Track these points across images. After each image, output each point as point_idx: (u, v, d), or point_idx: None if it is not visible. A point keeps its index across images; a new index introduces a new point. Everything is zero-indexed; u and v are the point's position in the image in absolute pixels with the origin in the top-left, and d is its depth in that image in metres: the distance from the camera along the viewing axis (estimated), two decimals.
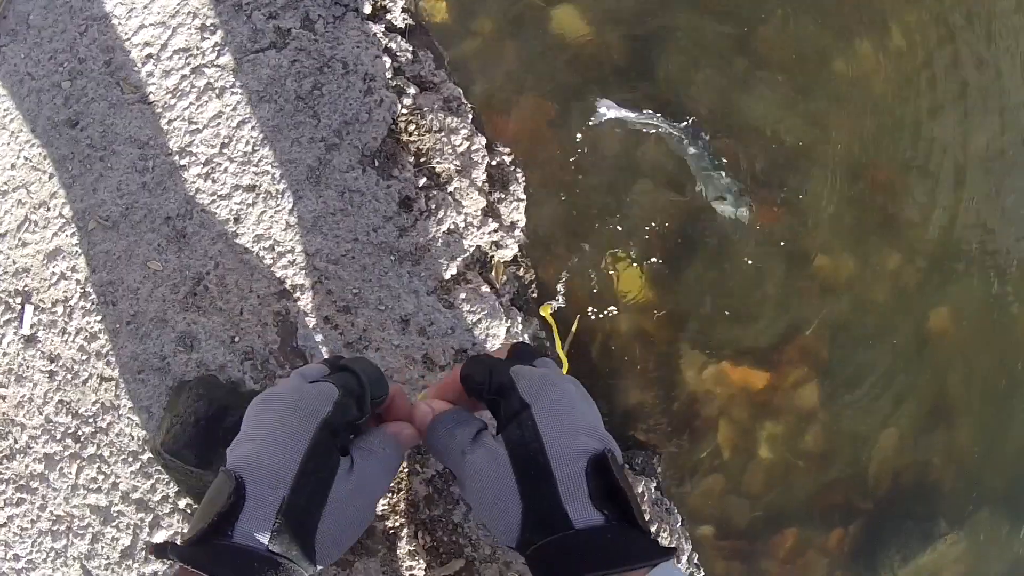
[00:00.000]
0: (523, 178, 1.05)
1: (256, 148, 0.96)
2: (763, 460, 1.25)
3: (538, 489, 0.44)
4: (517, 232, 1.02)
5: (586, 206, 1.12)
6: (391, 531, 0.95)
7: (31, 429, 1.02)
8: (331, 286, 0.94)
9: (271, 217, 0.95)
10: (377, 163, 0.96)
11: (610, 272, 1.10)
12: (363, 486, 0.48)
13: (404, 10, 1.09)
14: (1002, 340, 1.31)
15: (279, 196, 0.95)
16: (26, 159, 1.04)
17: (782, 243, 1.19)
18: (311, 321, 0.93)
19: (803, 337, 1.23)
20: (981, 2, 1.31)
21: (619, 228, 1.13)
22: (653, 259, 1.13)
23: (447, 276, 0.94)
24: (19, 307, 1.03)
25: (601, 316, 1.08)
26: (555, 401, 0.48)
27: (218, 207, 0.96)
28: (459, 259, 0.95)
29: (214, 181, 0.96)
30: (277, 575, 0.42)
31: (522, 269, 1.05)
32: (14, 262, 1.03)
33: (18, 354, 1.03)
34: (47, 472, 1.01)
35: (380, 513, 0.92)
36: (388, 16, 1.06)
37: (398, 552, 0.93)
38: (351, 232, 0.95)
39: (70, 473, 1.00)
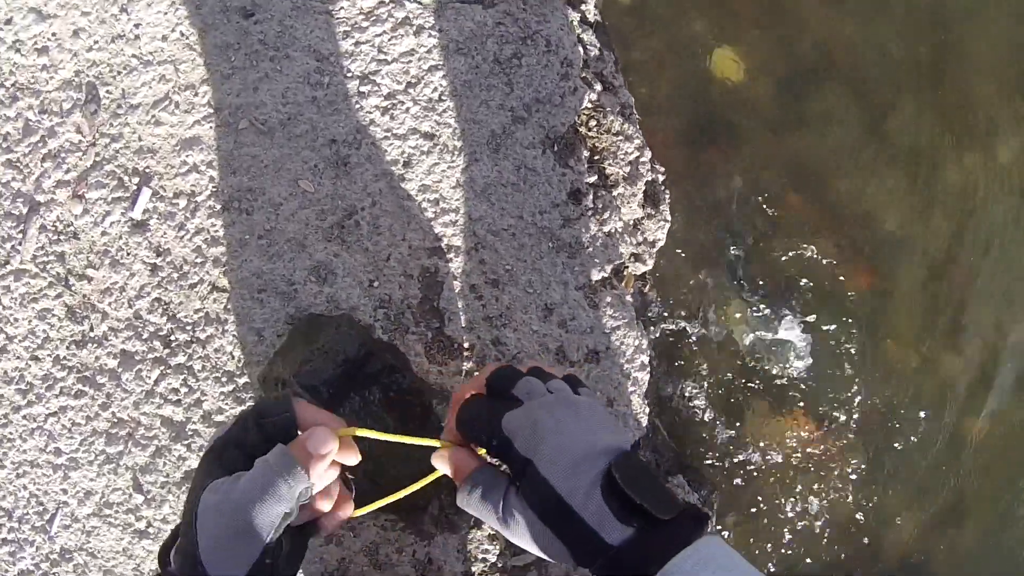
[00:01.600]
0: (669, 199, 1.05)
1: (443, 97, 0.92)
2: (790, 517, 1.29)
3: (573, 530, 0.49)
4: (655, 250, 1.02)
5: (713, 244, 1.13)
6: None
7: (113, 320, 0.93)
8: (485, 256, 0.91)
9: (442, 171, 0.91)
10: (557, 148, 0.94)
11: (721, 315, 1.12)
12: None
13: (596, 6, 1.07)
14: (1021, 460, 1.40)
15: (455, 152, 0.91)
16: (182, 35, 0.95)
17: (863, 316, 1.24)
18: (457, 285, 0.90)
19: (861, 410, 1.29)
20: None
21: (739, 281, 1.15)
22: (753, 297, 1.16)
23: (597, 277, 0.93)
24: (135, 188, 0.94)
25: (694, 338, 1.10)
26: (553, 447, 0.50)
27: (390, 145, 0.91)
28: (613, 263, 0.94)
29: (392, 118, 0.91)
30: None
31: (647, 287, 1.04)
32: (140, 139, 0.94)
33: (120, 237, 0.93)
34: (121, 370, 0.92)
35: None
36: (583, 6, 1.04)
37: (479, 533, 0.91)
38: (518, 208, 0.92)
39: (148, 378, 0.92)
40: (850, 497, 1.27)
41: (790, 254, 1.20)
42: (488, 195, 0.90)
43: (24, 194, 0.96)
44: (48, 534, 0.95)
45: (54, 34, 0.97)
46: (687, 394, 1.09)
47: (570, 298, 0.91)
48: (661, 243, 1.00)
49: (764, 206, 1.20)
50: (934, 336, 1.30)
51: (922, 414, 1.27)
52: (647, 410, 0.96)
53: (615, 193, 0.95)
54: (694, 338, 1.10)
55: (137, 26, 0.95)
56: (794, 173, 1.21)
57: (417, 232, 0.89)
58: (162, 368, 0.91)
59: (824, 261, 1.20)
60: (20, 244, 0.95)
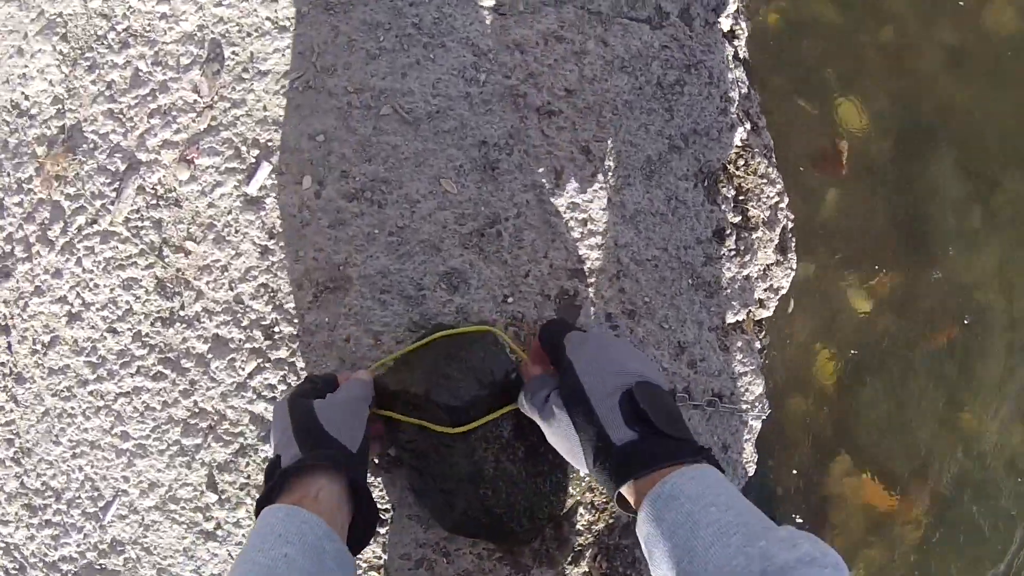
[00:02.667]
0: (795, 247, 1.02)
1: (604, 114, 0.86)
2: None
3: (589, 425, 0.57)
4: (778, 297, 0.99)
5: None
6: (578, 547, 0.86)
7: (210, 301, 0.83)
8: (626, 285, 0.85)
9: (594, 191, 0.85)
10: (707, 184, 0.89)
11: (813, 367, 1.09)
12: None
13: (747, 45, 1.03)
14: None
15: (609, 173, 0.86)
16: (327, 6, 0.86)
17: (944, 388, 1.23)
18: (593, 311, 0.84)
19: (934, 479, 1.26)
20: None
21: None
22: (848, 355, 1.13)
23: (731, 319, 0.88)
24: (253, 161, 0.85)
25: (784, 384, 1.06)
26: (592, 354, 0.61)
27: (544, 155, 0.85)
28: (749, 308, 0.89)
29: (549, 126, 0.85)
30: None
31: (763, 333, 1.01)
32: (265, 108, 0.85)
33: (230, 211, 0.84)
34: (211, 357, 0.83)
35: (577, 529, 0.83)
36: (736, 42, 1.00)
37: (575, 569, 0.85)
38: (664, 240, 0.87)
39: (243, 369, 0.83)
40: (908, 565, 1.25)
41: (880, 323, 1.17)
42: (637, 222, 0.85)
43: (124, 149, 0.86)
44: (100, 522, 0.85)
45: None
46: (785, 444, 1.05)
47: (703, 338, 0.86)
48: (784, 291, 0.97)
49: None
50: (1009, 404, 1.29)
51: (993, 487, 1.26)
52: (756, 458, 0.91)
53: (755, 236, 0.91)
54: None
55: None
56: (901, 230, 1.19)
57: (560, 251, 0.83)
58: (260, 360, 0.82)
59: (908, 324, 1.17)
60: (113, 204, 0.85)
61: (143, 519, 0.84)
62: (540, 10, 0.87)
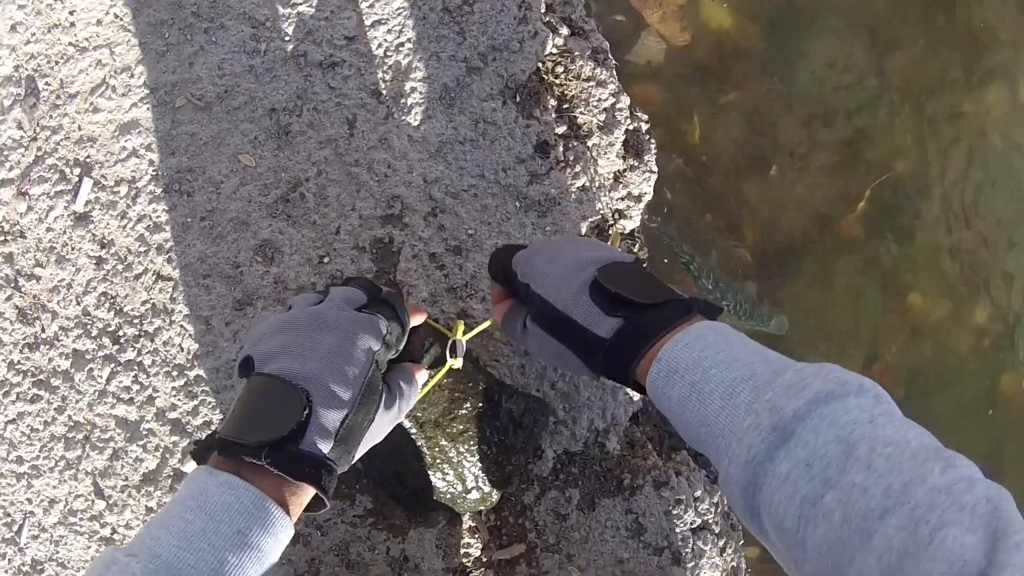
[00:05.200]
0: (655, 149, 0.90)
1: (389, 53, 0.80)
2: None
3: (572, 334, 0.52)
4: (642, 205, 0.88)
5: (704, 197, 0.98)
6: None
7: (64, 319, 0.84)
8: (445, 221, 0.78)
9: (392, 132, 0.79)
10: (519, 99, 0.80)
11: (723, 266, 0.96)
12: (394, 418, 0.57)
13: None
14: None
15: (406, 110, 0.79)
16: (116, 16, 0.85)
17: (882, 277, 1.06)
18: (415, 254, 0.77)
19: (881, 371, 1.10)
20: None
21: (730, 227, 0.99)
22: (761, 263, 0.99)
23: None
24: (76, 179, 0.85)
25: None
26: (543, 268, 0.56)
27: (334, 108, 0.80)
28: (588, 220, 0.80)
29: (334, 79, 0.80)
30: (331, 476, 0.49)
31: (636, 246, 0.90)
32: (80, 128, 0.85)
33: (65, 232, 0.85)
34: (73, 371, 0.83)
35: None
36: None
37: (458, 527, 0.78)
38: (478, 167, 0.79)
39: (100, 377, 0.82)
40: None
41: (793, 205, 1.03)
42: (444, 154, 0.78)
43: None
44: (18, 545, 0.87)
45: None
46: None
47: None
48: (648, 197, 0.86)
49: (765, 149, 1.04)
50: (961, 284, 1.11)
51: (950, 369, 1.09)
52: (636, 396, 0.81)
53: (590, 144, 0.81)
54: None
55: (72, 12, 0.87)
56: (798, 112, 1.05)
57: (367, 201, 0.77)
58: (112, 366, 0.82)
59: (824, 209, 1.03)
60: None
61: (52, 536, 0.86)
62: None
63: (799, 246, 1.00)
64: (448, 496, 0.71)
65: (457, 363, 0.67)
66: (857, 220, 1.04)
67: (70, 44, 0.86)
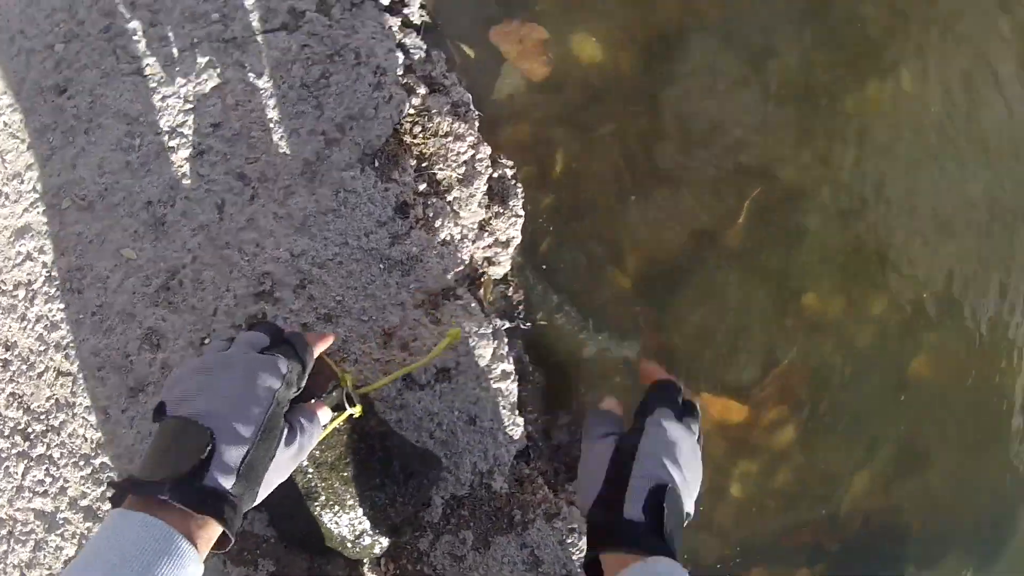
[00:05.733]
0: (523, 194, 0.93)
1: (252, 135, 0.84)
2: (735, 498, 1.12)
3: (615, 483, 0.61)
4: (511, 249, 0.90)
5: (580, 231, 1.00)
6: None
7: None
8: (314, 291, 0.81)
9: (259, 211, 0.83)
10: (377, 163, 0.84)
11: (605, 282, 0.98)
12: (296, 455, 0.61)
13: (422, 6, 0.97)
14: (979, 389, 1.20)
15: (270, 189, 0.83)
16: (4, 124, 0.91)
17: (771, 282, 1.06)
18: (292, 324, 0.80)
19: (783, 375, 1.11)
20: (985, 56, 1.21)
21: (611, 256, 1.00)
22: (645, 285, 1.01)
23: (437, 289, 0.82)
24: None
25: (584, 335, 0.96)
26: (660, 437, 0.64)
27: (204, 194, 0.84)
28: (452, 272, 0.82)
29: (202, 166, 0.84)
30: (233, 511, 0.53)
31: (511, 289, 0.92)
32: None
33: None
34: None
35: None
36: (406, 10, 0.95)
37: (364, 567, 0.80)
38: (341, 235, 0.82)
39: (16, 473, 0.86)
40: (793, 467, 1.10)
41: (675, 226, 1.05)
42: (308, 227, 0.81)
43: None
44: None
45: None
46: (582, 395, 0.95)
47: (410, 319, 0.80)
48: (517, 240, 0.89)
49: (643, 165, 1.06)
50: (856, 279, 1.12)
51: (855, 362, 1.09)
52: (520, 421, 0.83)
53: (450, 198, 0.85)
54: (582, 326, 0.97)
55: None
56: (674, 134, 1.07)
57: (240, 280, 0.81)
58: (26, 462, 0.86)
59: (707, 226, 1.04)
60: None
61: None
62: (177, 59, 0.87)
63: (685, 265, 1.02)
64: (339, 539, 0.74)
65: (356, 411, 0.71)
66: (740, 232, 1.05)
67: None
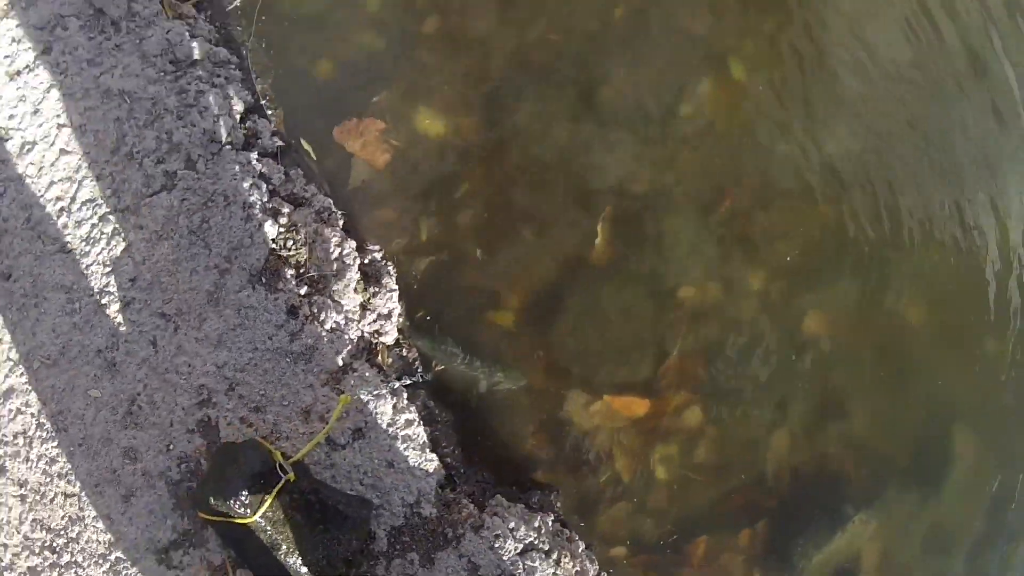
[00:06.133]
0: (394, 270, 1.15)
1: (161, 280, 1.07)
2: (662, 480, 1.31)
3: None
4: (394, 319, 1.12)
5: (456, 285, 1.21)
6: None
7: (13, 547, 1.14)
8: (242, 391, 1.05)
9: (183, 339, 1.07)
10: (264, 280, 1.08)
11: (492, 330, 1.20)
12: None
13: (274, 133, 1.18)
14: (878, 330, 1.34)
15: (187, 319, 1.07)
16: None
17: (645, 285, 1.26)
18: (231, 422, 1.04)
19: (677, 363, 1.29)
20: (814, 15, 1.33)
21: (488, 300, 1.22)
22: (528, 317, 1.22)
23: (336, 368, 1.05)
24: None
25: (476, 373, 1.18)
26: None
27: (138, 336, 1.08)
28: (344, 352, 1.07)
29: (132, 313, 1.07)
30: None
31: (404, 350, 1.14)
32: None
33: None
34: None
35: None
36: (260, 141, 1.16)
37: None
38: (251, 343, 1.06)
39: None
40: (709, 441, 1.29)
41: (543, 259, 1.25)
42: (224, 343, 1.06)
43: None
44: None
45: None
46: (493, 422, 1.18)
47: (320, 395, 1.05)
48: (397, 310, 1.12)
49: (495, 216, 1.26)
50: (727, 262, 1.29)
51: (745, 336, 1.27)
52: (434, 456, 1.06)
53: (330, 292, 1.07)
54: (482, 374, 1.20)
55: None
56: (523, 177, 1.26)
57: (184, 395, 1.06)
58: (58, 570, 1.11)
59: (572, 251, 1.23)
60: None
61: None
62: (91, 233, 1.10)
63: (560, 291, 1.24)
64: None
65: (291, 476, 1.00)
66: (603, 248, 1.24)
67: None
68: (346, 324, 1.15)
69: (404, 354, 1.18)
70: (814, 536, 1.32)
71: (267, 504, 0.98)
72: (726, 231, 1.36)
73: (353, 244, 1.19)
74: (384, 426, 1.10)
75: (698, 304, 1.33)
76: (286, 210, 1.18)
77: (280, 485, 1.00)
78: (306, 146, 1.23)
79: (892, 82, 1.36)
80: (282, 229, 1.17)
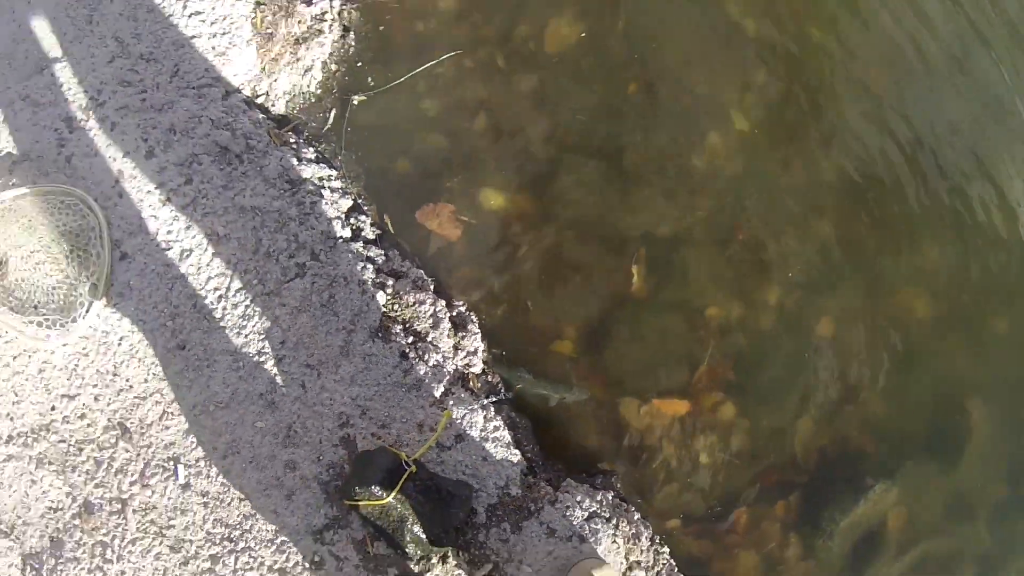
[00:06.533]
0: (475, 317, 1.61)
1: (304, 341, 1.52)
2: (705, 464, 1.81)
3: None
4: (479, 355, 1.60)
5: (526, 323, 1.67)
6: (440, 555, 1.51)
7: (197, 542, 1.57)
8: (371, 414, 1.52)
9: (325, 381, 1.52)
10: (380, 334, 1.55)
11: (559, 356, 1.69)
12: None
13: (372, 224, 1.63)
14: (886, 325, 1.76)
15: (327, 367, 1.55)
16: (154, 374, 1.60)
17: (678, 310, 1.68)
18: (365, 436, 1.49)
19: (708, 369, 1.70)
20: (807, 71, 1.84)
21: (551, 333, 1.70)
22: (584, 344, 1.67)
23: (439, 393, 1.50)
24: (172, 467, 1.56)
25: (545, 392, 1.65)
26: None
27: (291, 381, 1.54)
28: (444, 381, 1.55)
29: (284, 369, 1.51)
30: None
31: (489, 376, 1.61)
32: (163, 439, 1.60)
33: (178, 497, 1.60)
34: (214, 566, 1.55)
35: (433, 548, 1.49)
36: (362, 232, 1.62)
37: (448, 564, 1.49)
38: (375, 380, 1.53)
39: (229, 563, 1.55)
40: (743, 432, 1.67)
41: (592, 298, 1.71)
42: (356, 381, 1.54)
43: (116, 497, 1.58)
44: None
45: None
46: (563, 426, 1.65)
47: (428, 413, 1.54)
48: (482, 347, 1.59)
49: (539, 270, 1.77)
50: (745, 282, 1.68)
51: (767, 342, 1.69)
52: (517, 452, 1.53)
53: (429, 339, 1.53)
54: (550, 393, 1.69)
55: (128, 381, 1.55)
56: (572, 235, 1.72)
57: (328, 420, 1.52)
58: (235, 554, 1.56)
59: (617, 289, 1.71)
60: (125, 527, 1.58)
61: None
62: (245, 313, 1.53)
63: (608, 323, 1.73)
64: (425, 543, 1.41)
65: (412, 469, 1.58)
66: (640, 283, 1.69)
67: (135, 397, 1.55)
68: (443, 361, 1.62)
69: (489, 379, 1.66)
70: (840, 505, 1.80)
71: (396, 489, 1.43)
72: (742, 258, 1.80)
73: (443, 302, 1.69)
74: (478, 432, 1.57)
75: (723, 320, 1.79)
76: (390, 282, 1.64)
77: (405, 476, 1.45)
78: (389, 226, 1.68)
79: (880, 102, 1.79)
80: (389, 297, 1.64)
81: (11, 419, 1.64)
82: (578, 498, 1.64)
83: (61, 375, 1.64)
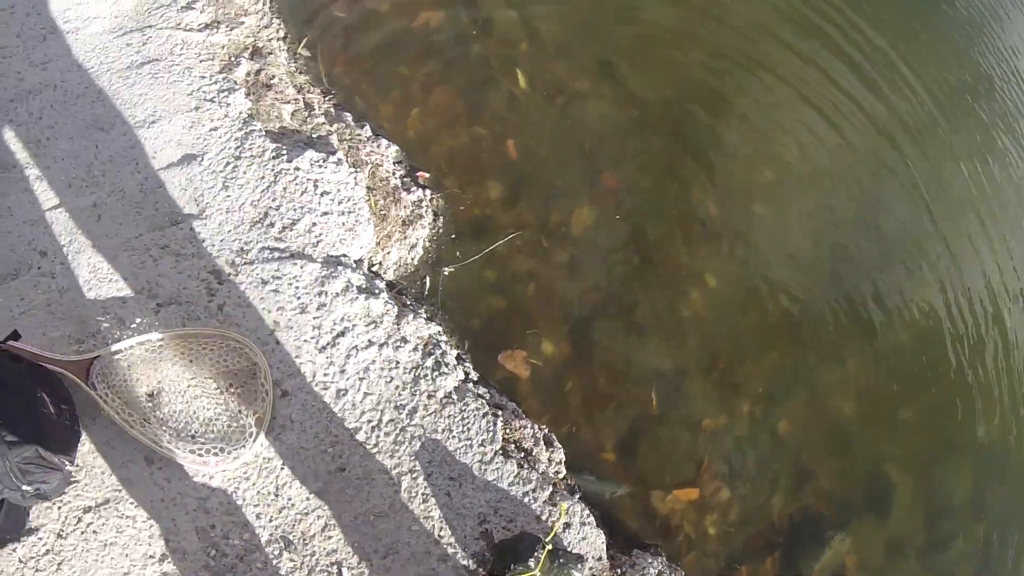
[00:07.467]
0: (554, 435, 2.26)
1: (446, 459, 2.09)
2: (712, 534, 2.55)
3: None
4: (562, 464, 2.24)
5: (584, 440, 2.36)
6: None
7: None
8: (502, 512, 2.12)
9: (466, 490, 2.13)
10: (504, 453, 2.14)
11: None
12: None
13: (475, 369, 2.29)
14: (826, 421, 2.68)
15: (467, 479, 2.27)
16: (316, 493, 2.05)
17: (683, 423, 2.47)
18: (498, 529, 2.06)
19: (707, 464, 2.50)
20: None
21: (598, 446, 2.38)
22: (621, 454, 2.38)
23: (546, 494, 2.14)
24: (336, 570, 2.01)
25: (606, 490, 2.31)
26: None
27: (437, 492, 2.09)
28: (548, 484, 2.14)
29: (432, 480, 2.08)
30: None
31: (568, 479, 2.24)
32: (325, 548, 2.04)
33: None
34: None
35: None
36: (470, 375, 2.28)
37: None
38: (502, 487, 2.10)
39: None
40: (736, 507, 2.44)
41: (619, 419, 2.41)
42: (488, 488, 2.21)
43: None
44: None
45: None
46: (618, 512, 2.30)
47: (546, 508, 2.10)
48: (563, 458, 2.22)
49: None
50: (728, 398, 2.52)
51: (748, 449, 2.45)
52: (600, 532, 2.13)
53: (533, 454, 2.15)
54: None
55: (281, 486, 2.03)
56: (603, 372, 2.43)
57: (470, 520, 2.12)
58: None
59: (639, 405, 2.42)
60: None
61: None
62: (399, 440, 2.07)
63: (636, 435, 2.50)
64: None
65: (549, 546, 2.21)
66: (656, 407, 2.43)
67: (297, 514, 2.03)
68: (546, 469, 2.21)
69: (569, 482, 2.25)
70: (812, 554, 2.64)
71: (542, 561, 1.95)
72: (722, 380, 2.65)
73: (545, 430, 2.27)
74: (577, 520, 2.16)
75: (714, 427, 2.66)
76: (500, 415, 2.25)
77: (546, 552, 1.97)
78: (468, 363, 2.35)
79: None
80: (503, 423, 2.23)
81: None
82: (648, 562, 2.40)
83: (222, 496, 1.99)
